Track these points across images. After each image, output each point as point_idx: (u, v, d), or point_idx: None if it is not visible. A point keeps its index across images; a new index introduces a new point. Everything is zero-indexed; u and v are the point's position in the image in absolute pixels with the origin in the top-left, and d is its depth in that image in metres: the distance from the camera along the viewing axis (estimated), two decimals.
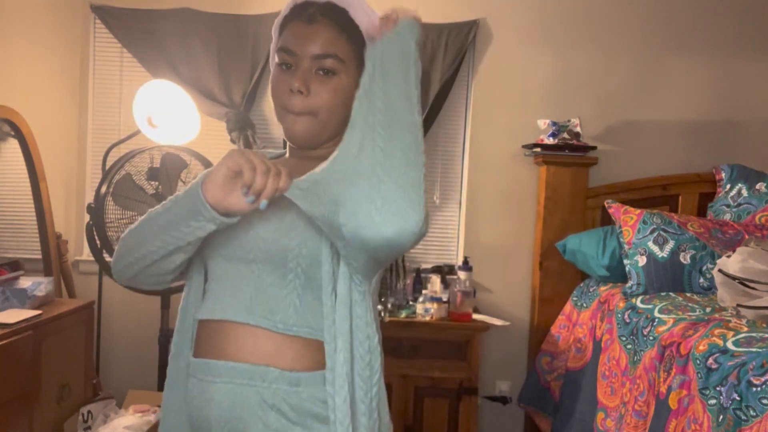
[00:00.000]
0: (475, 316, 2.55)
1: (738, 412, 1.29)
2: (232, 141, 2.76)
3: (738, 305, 1.75)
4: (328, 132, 1.00)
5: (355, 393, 0.93)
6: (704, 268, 2.21)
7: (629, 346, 1.96)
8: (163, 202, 0.95)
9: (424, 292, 2.59)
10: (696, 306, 1.92)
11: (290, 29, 0.99)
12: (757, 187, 2.57)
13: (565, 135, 2.65)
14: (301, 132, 0.99)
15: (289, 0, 1.03)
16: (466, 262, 2.64)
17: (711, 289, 2.16)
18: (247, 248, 0.96)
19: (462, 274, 2.58)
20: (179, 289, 1.12)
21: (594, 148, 2.69)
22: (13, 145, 2.58)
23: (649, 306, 2.02)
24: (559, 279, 2.72)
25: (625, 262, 2.31)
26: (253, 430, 0.93)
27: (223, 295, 0.99)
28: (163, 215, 0.94)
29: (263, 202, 0.85)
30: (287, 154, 1.10)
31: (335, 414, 0.91)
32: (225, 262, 0.99)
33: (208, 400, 0.96)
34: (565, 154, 2.66)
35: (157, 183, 2.40)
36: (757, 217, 2.47)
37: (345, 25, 0.98)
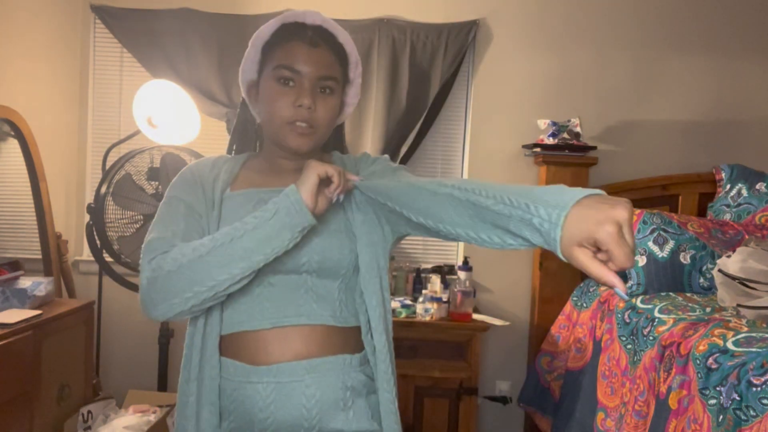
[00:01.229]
0: (475, 316, 2.55)
1: (738, 412, 1.29)
2: None
3: (738, 305, 1.75)
4: (319, 143, 1.14)
5: (390, 366, 1.11)
6: (704, 268, 2.21)
7: (629, 346, 1.96)
8: (238, 225, 1.00)
9: (424, 292, 2.59)
10: (696, 306, 1.92)
11: (291, 49, 1.09)
12: (757, 187, 2.57)
13: (565, 135, 2.65)
14: (306, 144, 1.11)
15: (274, 19, 1.12)
16: (466, 262, 2.64)
17: (711, 289, 2.16)
18: (300, 262, 1.07)
19: (462, 274, 2.58)
20: None
21: (594, 148, 2.69)
22: (13, 145, 2.57)
23: (649, 306, 2.02)
24: (559, 279, 2.72)
25: None
26: (336, 409, 1.06)
27: (274, 303, 1.07)
28: (247, 237, 0.98)
29: (342, 196, 1.05)
30: (257, 156, 1.22)
31: (382, 384, 1.09)
32: (271, 274, 1.07)
33: (297, 397, 1.05)
34: (565, 154, 2.66)
35: (157, 183, 2.40)
36: (757, 217, 2.47)
37: (338, 50, 1.13)
